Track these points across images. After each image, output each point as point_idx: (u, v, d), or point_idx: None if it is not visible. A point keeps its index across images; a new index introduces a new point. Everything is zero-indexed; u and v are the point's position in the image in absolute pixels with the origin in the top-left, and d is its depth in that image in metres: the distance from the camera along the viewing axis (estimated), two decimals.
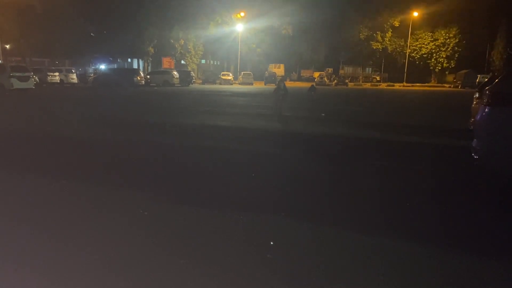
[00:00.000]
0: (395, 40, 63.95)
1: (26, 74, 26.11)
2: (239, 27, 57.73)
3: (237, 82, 53.17)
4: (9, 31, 41.89)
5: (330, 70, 66.56)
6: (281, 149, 8.87)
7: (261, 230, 4.28)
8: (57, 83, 39.43)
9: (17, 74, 25.21)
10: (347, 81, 57.17)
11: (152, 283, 3.23)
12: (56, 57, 52.02)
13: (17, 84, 24.81)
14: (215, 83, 51.16)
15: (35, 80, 29.02)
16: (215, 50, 63.90)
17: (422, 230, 4.28)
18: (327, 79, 56.25)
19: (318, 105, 21.27)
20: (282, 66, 67.33)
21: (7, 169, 6.67)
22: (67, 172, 6.54)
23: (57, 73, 40.43)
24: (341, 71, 68.38)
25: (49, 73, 39.50)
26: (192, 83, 45.65)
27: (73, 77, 42.00)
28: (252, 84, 50.52)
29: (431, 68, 64.01)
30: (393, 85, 56.51)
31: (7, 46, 46.64)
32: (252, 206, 4.97)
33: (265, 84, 51.19)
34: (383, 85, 57.92)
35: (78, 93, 29.12)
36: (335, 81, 55.88)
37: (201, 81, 54.76)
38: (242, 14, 58.03)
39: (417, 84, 59.34)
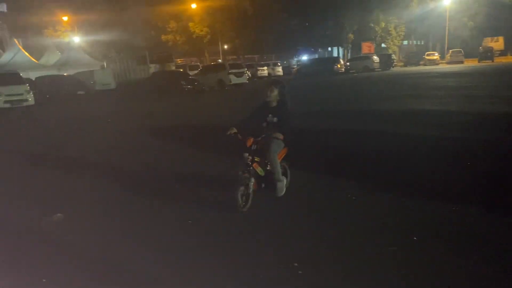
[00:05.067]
0: None
1: (241, 70, 29.49)
2: (446, 0, 52.41)
3: (444, 61, 48.61)
4: (226, 34, 47.87)
5: None
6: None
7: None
8: (265, 76, 43.26)
9: (234, 70, 28.70)
10: None
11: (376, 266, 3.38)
12: (264, 52, 57.02)
13: (234, 80, 28.24)
14: (419, 65, 47.91)
15: (248, 75, 32.43)
16: (418, 29, 59.62)
17: None
18: None
19: None
20: (501, 39, 58.22)
21: None
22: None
23: (265, 67, 44.34)
24: None
25: (258, 68, 43.66)
26: (393, 67, 43.87)
27: (279, 70, 45.34)
28: (462, 62, 45.46)
29: None
30: None
31: (225, 47, 53.38)
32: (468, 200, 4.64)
33: (478, 61, 45.42)
34: None
35: None
36: None
37: (402, 64, 52.06)
38: None
39: None
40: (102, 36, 42.14)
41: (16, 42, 36.43)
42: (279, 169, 4.71)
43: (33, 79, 26.65)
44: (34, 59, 35.80)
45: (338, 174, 5.91)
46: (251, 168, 4.59)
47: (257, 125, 4.83)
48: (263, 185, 4.77)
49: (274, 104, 4.82)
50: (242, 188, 4.51)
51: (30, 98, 21.59)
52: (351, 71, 41.00)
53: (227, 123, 4.88)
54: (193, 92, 25.80)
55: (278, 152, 4.73)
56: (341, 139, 8.44)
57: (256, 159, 4.66)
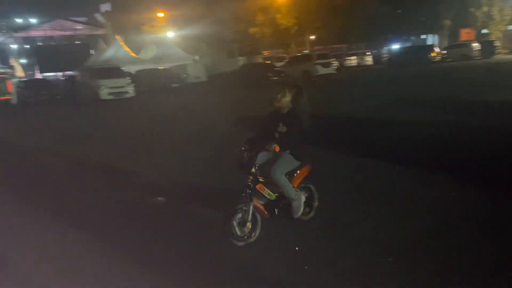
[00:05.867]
0: None
1: (328, 60, 29.06)
2: None
3: None
4: (313, 24, 47.25)
5: None
6: None
7: None
8: (353, 66, 42.18)
9: (321, 61, 28.35)
10: None
11: None
12: (353, 41, 55.41)
13: (321, 70, 27.89)
14: None
15: (335, 65, 31.83)
16: None
17: None
18: None
19: None
20: None
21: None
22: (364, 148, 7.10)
23: (353, 57, 43.24)
24: None
25: (346, 58, 42.69)
26: (495, 54, 40.22)
27: (368, 59, 43.95)
28: None
29: None
30: None
31: (312, 37, 52.77)
32: None
33: None
34: None
35: (371, 74, 30.40)
36: None
37: (507, 51, 47.42)
38: None
39: None
40: (194, 31, 44.03)
41: (118, 38, 39.50)
42: (289, 186, 3.84)
43: (133, 72, 28.78)
44: (134, 53, 38.53)
45: (434, 168, 5.65)
46: (250, 191, 3.75)
47: (268, 137, 3.94)
48: (276, 211, 3.95)
49: (285, 111, 4.01)
50: (239, 215, 3.74)
51: (131, 90, 23.40)
52: (447, 60, 38.38)
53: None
54: (279, 84, 25.99)
55: (291, 170, 3.91)
56: (438, 132, 8.00)
57: (260, 180, 3.85)
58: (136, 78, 27.19)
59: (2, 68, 38.88)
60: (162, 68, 32.39)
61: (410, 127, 8.65)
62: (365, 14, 46.98)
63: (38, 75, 48.07)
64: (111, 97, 22.61)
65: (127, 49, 38.06)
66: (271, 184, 3.86)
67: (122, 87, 23.24)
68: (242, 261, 3.56)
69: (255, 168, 3.78)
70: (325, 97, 16.91)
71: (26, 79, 40.55)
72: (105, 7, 58.07)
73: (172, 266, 3.54)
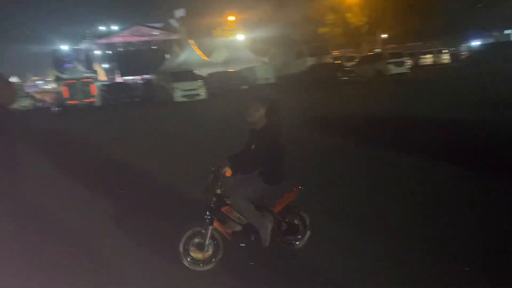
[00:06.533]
0: None
1: (401, 59, 28.03)
2: None
3: None
4: (386, 22, 45.72)
5: None
6: None
7: None
8: (429, 65, 40.28)
9: (393, 60, 27.43)
10: None
11: None
12: (428, 39, 52.81)
13: (393, 70, 26.99)
14: None
15: (409, 64, 30.59)
16: None
17: None
18: None
19: None
20: None
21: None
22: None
23: (429, 55, 41.32)
24: None
25: (421, 56, 40.88)
26: None
27: (445, 58, 41.79)
28: None
29: None
30: None
31: (385, 36, 51.08)
32: None
33: None
34: None
35: (448, 73, 28.83)
36: None
37: None
38: None
39: None
40: (263, 33, 44.55)
41: (191, 42, 41.03)
42: (250, 212, 3.43)
43: (205, 75, 29.75)
44: (206, 57, 39.79)
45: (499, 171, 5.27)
46: (211, 214, 3.38)
47: (245, 156, 3.60)
48: (252, 237, 3.53)
49: (259, 127, 3.57)
50: (195, 239, 3.42)
51: (203, 93, 24.22)
52: None
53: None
54: (349, 84, 25.51)
55: (270, 195, 3.60)
56: None
57: (227, 201, 3.47)
58: (207, 80, 28.06)
59: (86, 72, 42.04)
60: (232, 70, 33.13)
61: (487, 130, 8.08)
62: (441, 10, 44.67)
63: (119, 79, 51.31)
64: (184, 99, 23.57)
65: (199, 52, 39.38)
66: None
67: (194, 89, 24.14)
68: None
69: (220, 189, 3.44)
70: (396, 97, 16.35)
71: (108, 83, 43.51)
72: (179, 13, 60.64)
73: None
